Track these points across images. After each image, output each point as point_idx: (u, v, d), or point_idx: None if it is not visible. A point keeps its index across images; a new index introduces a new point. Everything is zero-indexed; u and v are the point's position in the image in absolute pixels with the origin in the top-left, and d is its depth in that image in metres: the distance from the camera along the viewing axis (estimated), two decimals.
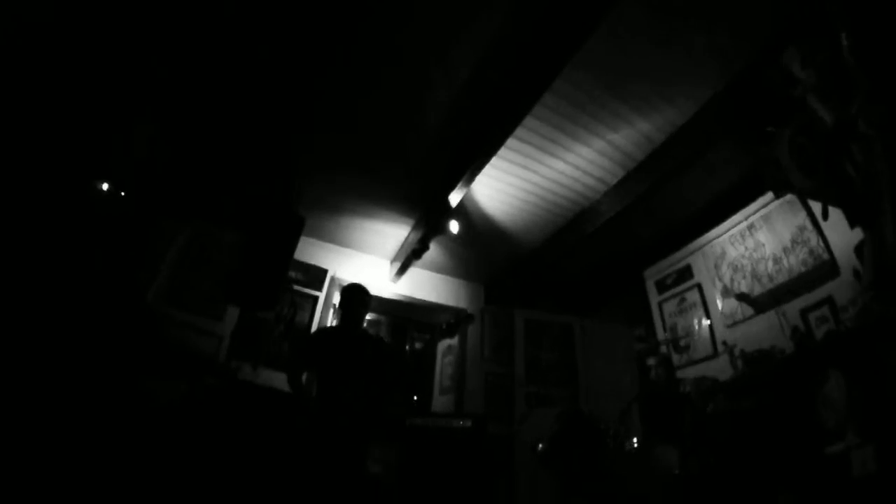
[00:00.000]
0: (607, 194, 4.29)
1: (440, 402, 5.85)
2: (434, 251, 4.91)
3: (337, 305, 4.85)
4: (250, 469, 3.01)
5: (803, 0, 2.56)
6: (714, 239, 4.51)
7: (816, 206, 3.14)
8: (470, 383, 5.34)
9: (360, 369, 2.93)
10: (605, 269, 5.55)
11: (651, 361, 4.31)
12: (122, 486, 2.65)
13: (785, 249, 3.78)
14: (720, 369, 3.88)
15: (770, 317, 3.72)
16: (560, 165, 4.02)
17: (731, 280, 4.22)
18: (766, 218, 4.01)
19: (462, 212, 4.41)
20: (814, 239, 3.56)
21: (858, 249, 2.93)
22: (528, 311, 5.78)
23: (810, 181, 2.63)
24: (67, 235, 2.92)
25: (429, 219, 4.45)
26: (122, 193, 3.16)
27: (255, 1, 2.80)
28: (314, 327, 4.80)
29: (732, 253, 4.28)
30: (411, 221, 4.85)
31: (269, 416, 3.33)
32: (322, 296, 5.04)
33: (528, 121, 3.44)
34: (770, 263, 3.89)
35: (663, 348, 4.65)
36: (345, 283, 3.64)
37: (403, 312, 6.16)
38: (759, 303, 3.91)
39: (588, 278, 5.75)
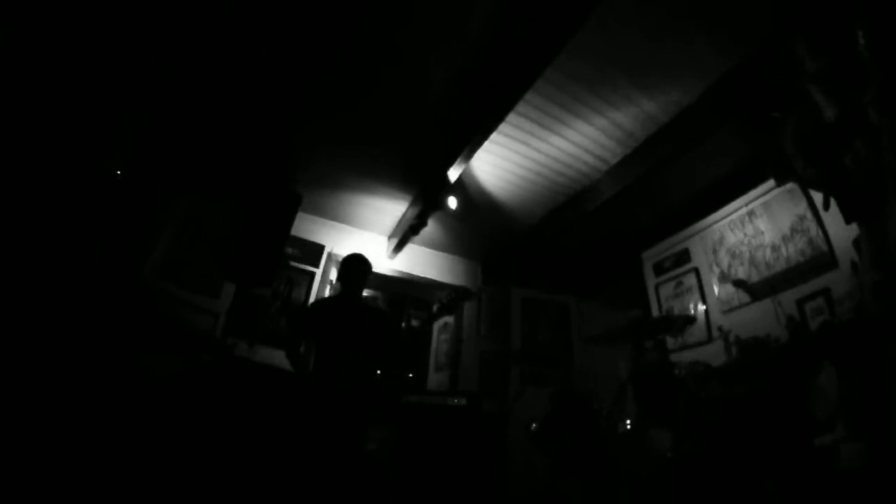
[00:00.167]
0: (608, 173, 4.25)
1: (435, 378, 5.91)
2: (432, 227, 4.87)
3: (336, 278, 4.84)
4: (247, 446, 3.04)
5: None
6: (713, 223, 4.48)
7: (818, 197, 3.11)
8: (465, 360, 5.39)
9: (358, 340, 2.90)
10: (603, 250, 5.53)
11: (648, 344, 4.33)
12: (119, 461, 2.68)
13: (784, 238, 3.77)
14: (714, 354, 3.91)
15: (766, 305, 3.72)
16: (561, 143, 3.96)
17: (729, 266, 4.22)
18: (766, 205, 3.99)
19: (461, 187, 4.36)
20: (813, 229, 3.54)
21: (857, 243, 2.91)
22: (526, 289, 5.80)
23: (814, 170, 2.60)
24: (62, 211, 2.87)
25: (427, 195, 4.38)
26: (119, 172, 3.10)
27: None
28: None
29: (731, 239, 4.26)
30: (409, 197, 4.80)
31: (265, 393, 3.34)
32: (319, 272, 5.04)
33: (530, 96, 3.37)
34: (768, 251, 3.88)
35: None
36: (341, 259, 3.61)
37: (400, 289, 6.17)
38: (755, 290, 3.91)
39: (586, 257, 5.72)
